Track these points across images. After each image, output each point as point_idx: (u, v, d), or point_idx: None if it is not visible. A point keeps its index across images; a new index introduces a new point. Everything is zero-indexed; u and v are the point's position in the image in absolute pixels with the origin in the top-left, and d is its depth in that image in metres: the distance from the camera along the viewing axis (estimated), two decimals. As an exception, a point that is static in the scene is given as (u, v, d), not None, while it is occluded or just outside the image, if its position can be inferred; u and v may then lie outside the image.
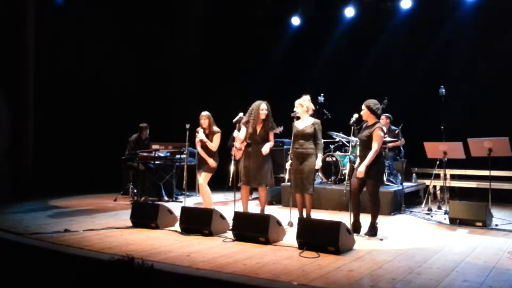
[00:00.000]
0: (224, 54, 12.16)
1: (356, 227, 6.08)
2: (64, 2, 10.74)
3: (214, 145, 7.25)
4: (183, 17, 12.32)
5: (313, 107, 6.85)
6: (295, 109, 6.68)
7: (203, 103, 7.85)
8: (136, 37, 11.64)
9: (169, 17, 12.05)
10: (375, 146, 5.90)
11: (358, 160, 6.14)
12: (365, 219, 6.25)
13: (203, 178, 7.25)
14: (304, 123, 6.65)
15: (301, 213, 6.70)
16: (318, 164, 6.56)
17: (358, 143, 6.25)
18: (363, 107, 6.08)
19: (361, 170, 5.88)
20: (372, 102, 6.07)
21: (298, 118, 6.73)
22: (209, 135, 7.27)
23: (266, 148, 6.72)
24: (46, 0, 10.48)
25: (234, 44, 12.10)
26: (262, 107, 6.79)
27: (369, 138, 5.96)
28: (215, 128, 7.32)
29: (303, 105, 6.65)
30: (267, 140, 6.82)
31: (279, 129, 9.04)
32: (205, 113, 7.32)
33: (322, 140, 6.71)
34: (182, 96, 12.08)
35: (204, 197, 7.33)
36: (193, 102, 11.55)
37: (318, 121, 6.72)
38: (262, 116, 6.78)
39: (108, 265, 2.85)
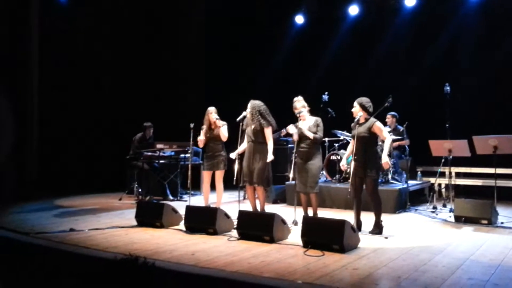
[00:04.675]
0: (228, 53, 12.16)
1: (358, 225, 6.08)
2: (68, 1, 10.77)
3: (225, 134, 7.29)
4: (186, 17, 12.33)
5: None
6: (301, 113, 6.65)
7: (207, 102, 7.86)
8: (141, 36, 11.65)
9: (172, 17, 12.07)
10: (387, 136, 6.09)
11: (345, 157, 6.30)
12: (369, 218, 6.25)
13: (220, 175, 7.32)
14: (307, 123, 6.64)
15: (306, 212, 6.69)
16: (293, 129, 6.53)
17: (351, 140, 6.26)
18: (355, 103, 6.13)
19: (387, 161, 5.98)
20: (364, 99, 6.13)
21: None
22: (216, 129, 7.31)
23: (270, 156, 6.67)
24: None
25: (238, 43, 12.10)
26: (248, 106, 6.83)
27: (370, 134, 5.99)
28: (221, 122, 7.38)
29: (305, 106, 6.66)
30: (263, 138, 6.75)
31: (283, 132, 9.03)
32: (212, 108, 7.41)
33: (321, 136, 6.63)
34: (186, 96, 12.10)
35: (219, 195, 7.40)
36: (197, 101, 11.56)
37: (319, 118, 6.72)
38: (248, 114, 6.80)
39: (113, 264, 2.87)
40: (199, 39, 12.53)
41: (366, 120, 6.08)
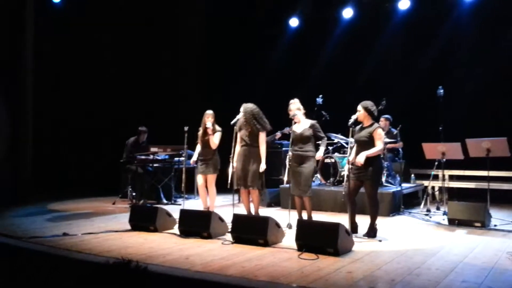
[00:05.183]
0: (224, 55, 12.15)
1: (353, 227, 6.07)
2: (63, 2, 10.73)
3: (216, 142, 7.29)
4: (184, 19, 12.31)
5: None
6: (296, 115, 6.67)
7: (202, 105, 7.85)
8: (140, 36, 11.61)
9: (170, 19, 12.04)
10: (380, 145, 5.97)
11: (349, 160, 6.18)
12: (363, 220, 6.26)
13: (212, 179, 7.33)
14: (302, 126, 6.66)
15: (300, 215, 6.69)
16: (319, 154, 6.58)
17: (353, 144, 6.24)
18: (360, 108, 6.09)
19: (360, 160, 5.82)
20: (369, 103, 6.09)
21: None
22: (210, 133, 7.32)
23: (263, 165, 6.71)
24: (44, 1, 10.49)
25: (233, 46, 12.09)
26: (241, 110, 6.85)
27: (370, 139, 5.97)
28: (217, 127, 7.39)
29: (301, 109, 6.69)
30: (258, 142, 6.77)
31: (277, 135, 9.09)
32: (210, 112, 7.40)
33: (325, 138, 6.74)
34: (181, 98, 12.06)
35: (212, 198, 7.40)
36: (192, 104, 11.53)
37: (314, 121, 6.74)
38: (241, 118, 6.83)
39: (105, 268, 2.86)
40: (195, 42, 12.50)
41: (371, 124, 6.07)
